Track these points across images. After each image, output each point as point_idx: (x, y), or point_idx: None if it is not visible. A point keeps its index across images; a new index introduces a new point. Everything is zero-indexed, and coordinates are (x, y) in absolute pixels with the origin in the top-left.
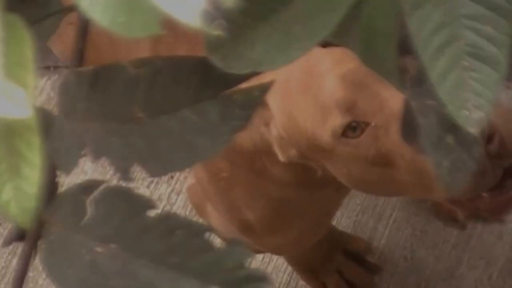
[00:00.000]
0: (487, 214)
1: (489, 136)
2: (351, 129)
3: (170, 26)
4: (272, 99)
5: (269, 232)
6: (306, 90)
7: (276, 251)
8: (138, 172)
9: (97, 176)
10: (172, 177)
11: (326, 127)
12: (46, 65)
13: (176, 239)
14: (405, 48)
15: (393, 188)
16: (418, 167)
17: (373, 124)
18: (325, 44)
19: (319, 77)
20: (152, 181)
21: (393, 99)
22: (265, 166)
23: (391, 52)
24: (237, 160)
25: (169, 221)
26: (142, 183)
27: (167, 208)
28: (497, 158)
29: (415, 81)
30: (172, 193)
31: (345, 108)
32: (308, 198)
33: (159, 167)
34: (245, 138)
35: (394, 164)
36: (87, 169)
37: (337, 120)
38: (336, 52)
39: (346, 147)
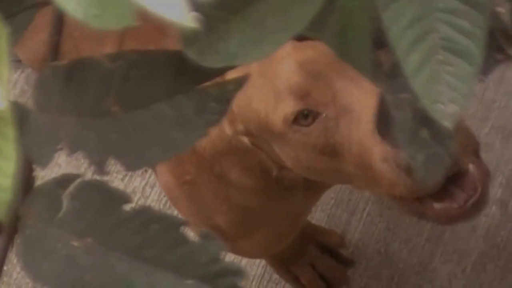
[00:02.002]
0: (433, 221)
1: None
2: (303, 117)
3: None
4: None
5: (237, 237)
6: (264, 73)
7: (247, 255)
8: (112, 165)
9: (71, 169)
10: (146, 170)
11: (278, 111)
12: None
13: (151, 233)
14: (379, 42)
15: (337, 177)
16: (363, 162)
17: (324, 115)
18: (299, 38)
19: (278, 61)
20: (126, 175)
21: (346, 92)
22: (223, 170)
23: (366, 46)
24: (199, 163)
25: (144, 215)
26: (116, 176)
27: (141, 201)
28: None
29: (389, 75)
30: (146, 187)
31: (298, 95)
32: (273, 207)
33: (135, 160)
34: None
35: (340, 156)
36: (61, 162)
37: (290, 106)
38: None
39: (295, 134)
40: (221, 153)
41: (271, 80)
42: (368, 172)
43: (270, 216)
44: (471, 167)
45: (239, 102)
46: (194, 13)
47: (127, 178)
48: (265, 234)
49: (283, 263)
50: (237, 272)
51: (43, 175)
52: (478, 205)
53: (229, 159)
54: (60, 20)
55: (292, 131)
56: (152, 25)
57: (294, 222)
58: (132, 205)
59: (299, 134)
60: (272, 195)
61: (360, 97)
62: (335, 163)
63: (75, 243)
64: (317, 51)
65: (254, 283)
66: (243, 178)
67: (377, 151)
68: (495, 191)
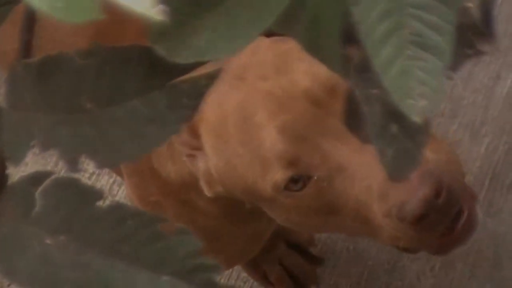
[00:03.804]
0: (432, 253)
1: (437, 191)
2: (294, 181)
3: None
4: (206, 137)
5: None
6: (246, 141)
7: None
8: (80, 163)
9: (38, 167)
10: None
11: (267, 180)
12: None
13: (126, 229)
14: (349, 36)
15: (333, 229)
16: (361, 216)
17: (315, 177)
18: (269, 34)
19: (257, 128)
20: (93, 173)
21: (335, 151)
22: (191, 198)
23: (336, 40)
24: (164, 188)
25: (119, 211)
26: (83, 175)
27: (109, 199)
28: (447, 207)
29: (359, 70)
30: (113, 185)
31: (286, 162)
32: (239, 228)
33: (108, 158)
34: (173, 171)
35: (337, 211)
36: (28, 161)
37: (279, 174)
38: (270, 102)
39: (287, 199)
40: (190, 186)
41: (255, 149)
42: (368, 226)
43: (236, 237)
44: None
45: (221, 170)
46: (160, 6)
47: (94, 176)
48: (230, 253)
49: (251, 261)
50: (213, 268)
51: (11, 173)
52: (467, 229)
53: (197, 192)
54: (31, 18)
55: (283, 197)
56: (125, 36)
57: (259, 238)
58: (101, 203)
59: (291, 199)
60: (239, 220)
61: (350, 156)
62: (331, 218)
63: (50, 241)
64: (292, 112)
65: (222, 281)
66: (211, 207)
67: (377, 207)
68: None
